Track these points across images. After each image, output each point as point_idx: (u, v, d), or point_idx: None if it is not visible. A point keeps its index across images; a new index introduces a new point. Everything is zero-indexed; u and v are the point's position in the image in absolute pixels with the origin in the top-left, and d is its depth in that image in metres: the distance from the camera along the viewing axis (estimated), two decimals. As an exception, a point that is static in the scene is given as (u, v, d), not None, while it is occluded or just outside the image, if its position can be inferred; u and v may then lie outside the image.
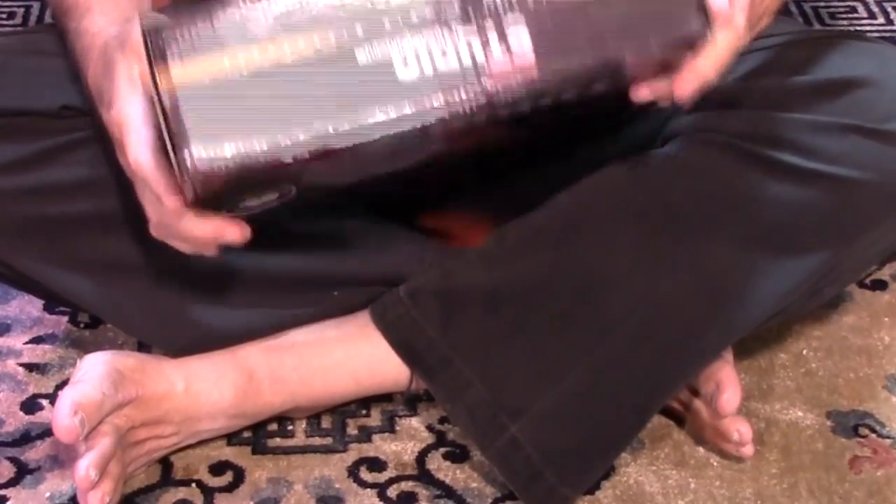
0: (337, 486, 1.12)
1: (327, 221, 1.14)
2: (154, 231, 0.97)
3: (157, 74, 0.89)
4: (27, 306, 1.30)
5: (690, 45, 0.92)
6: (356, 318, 1.14)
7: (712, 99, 1.06)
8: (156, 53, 0.89)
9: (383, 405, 1.19)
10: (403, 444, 1.16)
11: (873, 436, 1.17)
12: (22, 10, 1.76)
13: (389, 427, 1.18)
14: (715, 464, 1.14)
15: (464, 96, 0.90)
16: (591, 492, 1.11)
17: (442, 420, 1.18)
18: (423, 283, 1.12)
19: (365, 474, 1.13)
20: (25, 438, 1.16)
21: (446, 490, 1.12)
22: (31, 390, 1.21)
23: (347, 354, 1.13)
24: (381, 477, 1.13)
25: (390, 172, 0.93)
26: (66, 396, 1.03)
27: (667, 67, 0.92)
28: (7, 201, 1.07)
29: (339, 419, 1.18)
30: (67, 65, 1.06)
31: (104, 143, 1.00)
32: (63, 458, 1.13)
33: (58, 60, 1.08)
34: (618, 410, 1.08)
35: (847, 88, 1.04)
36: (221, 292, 1.12)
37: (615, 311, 1.06)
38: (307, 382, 1.13)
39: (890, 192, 1.04)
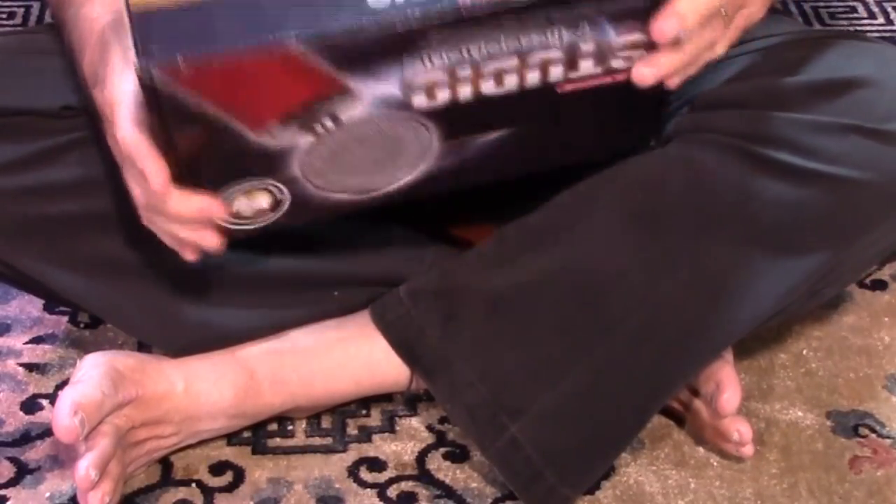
0: (337, 486, 1.12)
1: (327, 221, 1.14)
2: (143, 215, 0.97)
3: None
4: (27, 306, 1.30)
5: None
6: (356, 319, 1.14)
7: (712, 99, 1.06)
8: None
9: (383, 405, 1.19)
10: (403, 444, 1.16)
11: (873, 436, 1.17)
12: (22, 10, 1.76)
13: (389, 427, 1.18)
14: (715, 464, 1.14)
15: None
16: (591, 492, 1.11)
17: (442, 420, 1.18)
18: (423, 283, 1.12)
19: (365, 474, 1.13)
20: (25, 438, 1.16)
21: (446, 490, 1.12)
22: (31, 390, 1.21)
23: (347, 355, 1.13)
24: (381, 477, 1.13)
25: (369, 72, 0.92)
26: (66, 396, 1.03)
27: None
28: (7, 201, 1.07)
29: (339, 419, 1.18)
30: (67, 64, 1.06)
31: (102, 144, 1.00)
32: (63, 458, 1.13)
33: (58, 60, 1.08)
34: (618, 410, 1.08)
35: (847, 88, 1.04)
36: (221, 292, 1.12)
37: (615, 311, 1.06)
38: (307, 383, 1.13)
39: (890, 192, 1.04)
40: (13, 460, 1.14)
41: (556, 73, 0.95)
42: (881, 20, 1.76)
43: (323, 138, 0.94)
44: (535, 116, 0.99)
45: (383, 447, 1.16)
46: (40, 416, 1.18)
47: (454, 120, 0.96)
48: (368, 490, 1.12)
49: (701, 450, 1.15)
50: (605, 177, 1.07)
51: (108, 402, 1.05)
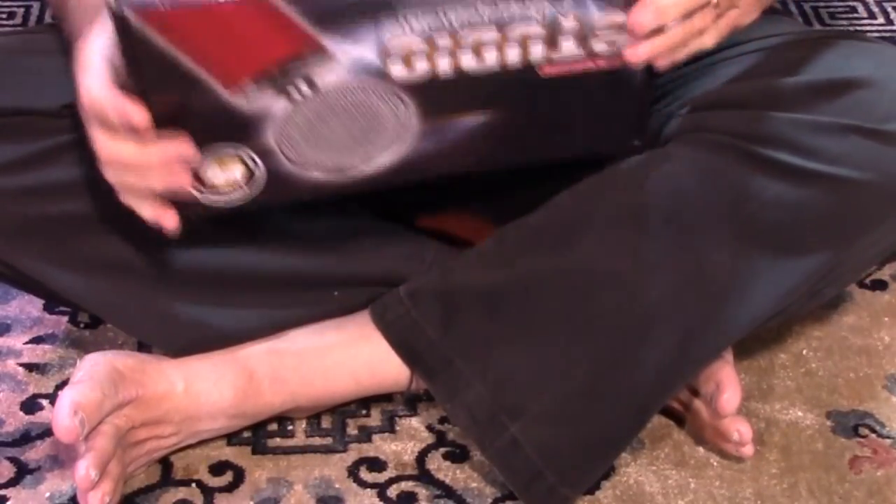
0: (337, 486, 1.12)
1: (327, 221, 1.14)
2: (109, 172, 0.96)
3: None
4: (27, 306, 1.30)
5: None
6: (356, 319, 1.14)
7: (712, 99, 1.06)
8: None
9: (383, 405, 1.19)
10: (403, 444, 1.16)
11: (873, 436, 1.17)
12: (22, 10, 1.76)
13: (389, 427, 1.18)
14: (715, 464, 1.14)
15: None
16: (591, 492, 1.11)
17: (442, 420, 1.18)
18: (423, 283, 1.12)
19: (365, 474, 1.13)
20: (25, 438, 1.16)
21: (446, 490, 1.12)
22: (31, 390, 1.21)
23: (347, 354, 1.13)
24: (381, 477, 1.13)
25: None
26: (66, 396, 1.03)
27: None
28: (7, 201, 1.07)
29: (339, 419, 1.18)
30: (67, 64, 1.06)
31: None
32: (63, 458, 1.13)
33: (58, 60, 1.08)
34: (618, 410, 1.08)
35: (847, 88, 1.04)
36: (221, 292, 1.12)
37: (615, 311, 1.06)
38: (307, 382, 1.13)
39: (890, 193, 1.04)
40: (13, 460, 1.14)
41: (536, 51, 0.95)
42: (881, 20, 1.76)
43: (299, 105, 0.94)
44: (515, 101, 0.98)
45: (383, 447, 1.16)
46: (40, 416, 1.18)
47: (433, 96, 0.96)
48: (368, 490, 1.12)
49: (701, 450, 1.15)
50: (605, 177, 1.07)
51: (108, 402, 1.05)
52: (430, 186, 1.06)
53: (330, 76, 0.93)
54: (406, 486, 1.12)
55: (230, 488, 1.12)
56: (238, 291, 1.12)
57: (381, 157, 0.99)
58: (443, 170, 1.01)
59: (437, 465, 1.14)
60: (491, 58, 0.95)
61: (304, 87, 0.93)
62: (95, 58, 0.93)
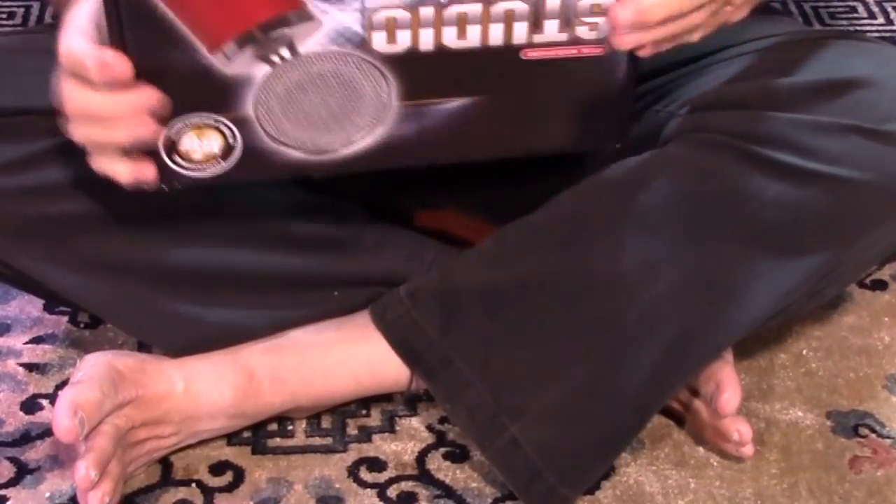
0: (337, 486, 1.12)
1: (327, 221, 1.14)
2: (74, 126, 0.95)
3: None
4: (27, 306, 1.30)
5: None
6: (356, 319, 1.14)
7: (712, 99, 1.06)
8: None
9: (383, 405, 1.19)
10: (403, 444, 1.16)
11: (873, 436, 1.17)
12: (22, 10, 1.76)
13: (389, 427, 1.18)
14: (715, 464, 1.14)
15: None
16: (591, 492, 1.11)
17: (442, 420, 1.18)
18: (423, 283, 1.12)
19: (365, 474, 1.13)
20: (25, 438, 1.16)
21: (446, 490, 1.12)
22: (31, 390, 1.21)
23: (347, 355, 1.13)
24: (381, 477, 1.13)
25: None
26: (65, 396, 1.03)
27: None
28: (7, 201, 1.07)
29: (339, 419, 1.18)
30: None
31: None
32: (63, 458, 1.13)
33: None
34: (618, 410, 1.08)
35: (847, 88, 1.04)
36: (221, 292, 1.12)
37: (615, 311, 1.06)
38: (307, 382, 1.13)
39: (890, 193, 1.04)
40: (13, 460, 1.14)
41: (519, 31, 0.95)
42: (881, 20, 1.76)
43: (279, 71, 0.94)
44: (496, 87, 0.98)
45: (383, 447, 1.16)
46: (40, 416, 1.18)
47: (414, 74, 0.95)
48: (368, 490, 1.12)
49: (701, 450, 1.15)
50: (605, 177, 1.07)
51: (108, 402, 1.05)
52: (430, 184, 1.07)
53: (312, 42, 0.93)
54: (406, 486, 1.12)
55: (230, 488, 1.12)
56: (238, 291, 1.12)
57: (359, 137, 0.98)
58: (422, 158, 1.00)
59: (437, 465, 1.14)
60: (474, 35, 0.95)
61: (286, 52, 0.93)
62: (80, 17, 0.93)
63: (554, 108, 1.01)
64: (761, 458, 1.14)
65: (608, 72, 0.98)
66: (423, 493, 1.11)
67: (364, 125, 0.98)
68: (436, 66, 0.95)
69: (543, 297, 1.07)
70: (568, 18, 0.95)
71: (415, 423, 1.18)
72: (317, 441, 1.16)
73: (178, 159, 0.96)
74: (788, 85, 1.05)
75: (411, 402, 1.19)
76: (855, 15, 1.77)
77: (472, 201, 1.21)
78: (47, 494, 1.11)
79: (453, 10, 0.93)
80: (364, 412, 1.19)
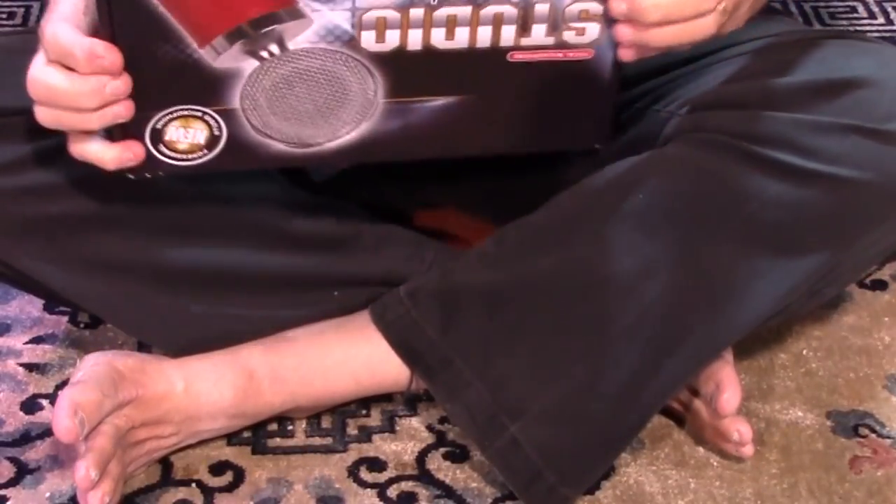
0: (337, 486, 1.12)
1: (327, 221, 1.14)
2: (41, 111, 0.95)
3: None
4: (27, 306, 1.30)
5: None
6: (356, 318, 1.14)
7: (711, 99, 1.06)
8: None
9: (383, 405, 1.19)
10: (403, 444, 1.16)
11: (873, 436, 1.17)
12: (22, 10, 1.76)
13: (389, 427, 1.18)
14: (715, 464, 1.14)
15: None
16: (591, 492, 1.11)
17: (442, 420, 1.18)
18: (423, 283, 1.12)
19: (365, 474, 1.13)
20: (25, 438, 1.16)
21: (446, 490, 1.12)
22: (31, 390, 1.21)
23: (347, 354, 1.13)
24: (381, 477, 1.13)
25: None
26: (65, 396, 1.03)
27: None
28: (7, 201, 1.07)
29: (339, 419, 1.18)
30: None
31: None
32: (63, 458, 1.13)
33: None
34: (618, 410, 1.08)
35: (847, 88, 1.04)
36: (221, 292, 1.12)
37: (615, 311, 1.06)
38: (307, 382, 1.13)
39: (890, 193, 1.04)
40: (13, 460, 1.14)
41: (507, 34, 0.95)
42: (881, 20, 1.76)
43: (267, 66, 0.94)
44: (481, 87, 0.98)
45: (383, 447, 1.16)
46: (40, 416, 1.18)
47: (400, 73, 0.96)
48: (368, 490, 1.12)
49: (701, 450, 1.15)
50: (604, 177, 1.07)
51: (108, 402, 1.05)
52: (429, 184, 1.07)
53: (301, 39, 0.93)
54: (406, 486, 1.12)
55: (230, 488, 1.12)
56: (238, 291, 1.12)
57: (345, 132, 0.98)
58: (405, 153, 1.01)
59: (437, 465, 1.14)
60: (462, 37, 0.95)
61: (275, 48, 0.93)
62: (66, 3, 0.93)
63: (538, 109, 1.01)
64: (761, 458, 1.14)
65: (593, 75, 0.99)
66: (423, 493, 1.11)
67: (349, 120, 0.98)
68: (423, 65, 0.96)
69: (543, 297, 1.07)
70: (556, 23, 0.95)
71: (415, 423, 1.18)
72: (317, 441, 1.16)
73: (162, 148, 0.97)
74: (788, 85, 1.05)
75: (411, 402, 1.19)
76: (855, 15, 1.77)
77: (472, 201, 1.21)
78: (47, 494, 1.11)
79: (443, 12, 0.94)
80: (364, 412, 1.19)
